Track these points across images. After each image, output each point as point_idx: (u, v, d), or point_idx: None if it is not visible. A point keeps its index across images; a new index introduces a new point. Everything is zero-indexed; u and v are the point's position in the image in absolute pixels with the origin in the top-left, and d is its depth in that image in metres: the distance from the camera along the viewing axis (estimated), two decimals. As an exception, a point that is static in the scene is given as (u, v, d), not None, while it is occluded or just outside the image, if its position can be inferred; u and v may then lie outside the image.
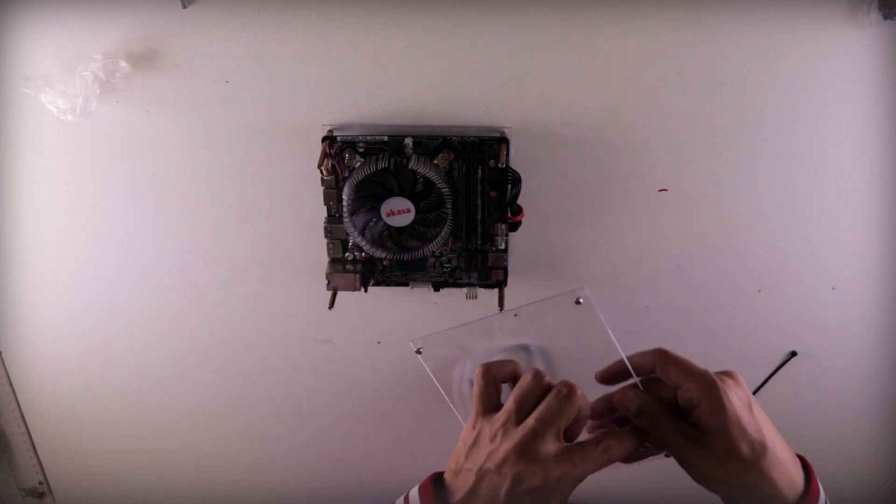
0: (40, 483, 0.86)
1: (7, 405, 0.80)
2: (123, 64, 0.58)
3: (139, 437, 0.82)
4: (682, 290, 0.69)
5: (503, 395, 0.55)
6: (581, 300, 0.55)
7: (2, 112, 0.63)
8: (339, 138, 0.60)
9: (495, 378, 0.54)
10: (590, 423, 0.54)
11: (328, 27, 0.58)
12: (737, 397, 0.50)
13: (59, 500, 0.87)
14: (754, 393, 0.74)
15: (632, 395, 0.52)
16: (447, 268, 0.65)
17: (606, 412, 0.54)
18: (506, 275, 0.65)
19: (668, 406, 0.52)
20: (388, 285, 0.67)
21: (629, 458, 0.53)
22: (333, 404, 0.78)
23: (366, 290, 0.65)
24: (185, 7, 0.57)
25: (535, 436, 0.49)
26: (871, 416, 0.76)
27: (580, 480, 0.50)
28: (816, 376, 0.73)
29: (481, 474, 0.50)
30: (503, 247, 0.63)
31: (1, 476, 0.85)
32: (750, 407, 0.51)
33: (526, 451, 0.49)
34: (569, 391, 0.51)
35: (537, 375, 0.52)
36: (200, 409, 0.80)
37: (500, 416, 0.51)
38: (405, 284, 0.67)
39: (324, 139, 0.60)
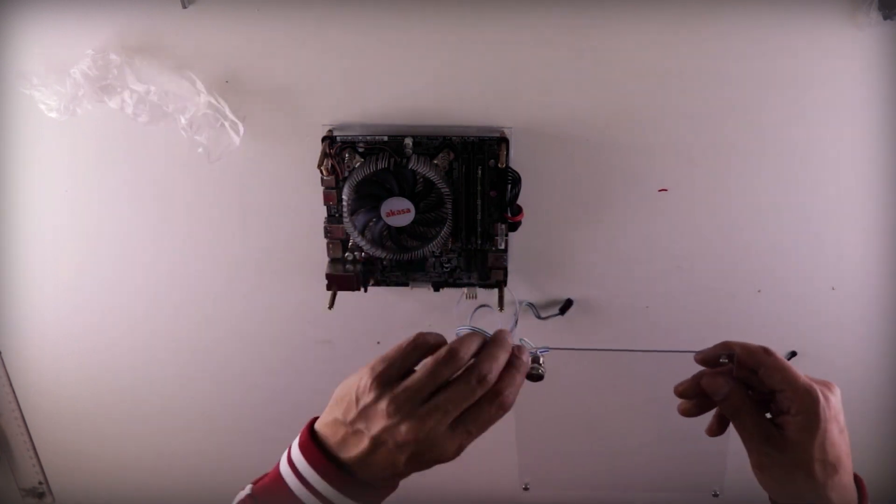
0: (40, 483, 0.86)
1: (7, 405, 0.80)
2: (114, 56, 0.58)
3: (139, 436, 0.82)
4: (682, 290, 0.69)
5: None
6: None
7: (3, 111, 0.63)
8: (339, 138, 0.60)
9: (423, 347, 0.50)
10: (680, 402, 0.54)
11: (328, 27, 0.58)
12: (833, 416, 0.50)
13: (59, 500, 0.87)
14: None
15: (722, 381, 0.52)
16: (447, 268, 0.65)
17: (693, 393, 0.54)
18: (506, 275, 0.65)
19: (753, 396, 0.52)
20: (388, 285, 0.67)
21: (689, 413, 0.54)
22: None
23: (366, 290, 0.65)
24: (185, 7, 0.57)
25: (436, 422, 0.47)
26: (871, 416, 0.76)
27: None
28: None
29: (377, 443, 0.48)
30: (503, 247, 0.63)
31: (1, 476, 0.85)
32: (841, 429, 0.50)
33: (425, 432, 0.47)
34: (478, 380, 0.48)
35: (451, 352, 0.49)
36: (200, 410, 0.79)
37: (405, 390, 0.48)
38: (405, 284, 0.67)
39: (324, 139, 0.60)
